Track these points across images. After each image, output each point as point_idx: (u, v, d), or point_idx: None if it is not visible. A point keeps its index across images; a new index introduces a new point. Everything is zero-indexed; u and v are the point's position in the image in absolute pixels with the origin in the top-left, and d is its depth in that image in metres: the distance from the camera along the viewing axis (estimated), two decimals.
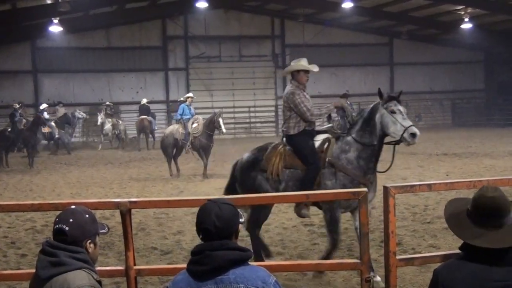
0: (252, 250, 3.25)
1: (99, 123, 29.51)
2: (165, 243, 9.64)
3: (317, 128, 8.10)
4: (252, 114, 38.16)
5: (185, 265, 3.26)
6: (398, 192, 4.48)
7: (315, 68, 8.00)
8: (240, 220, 3.32)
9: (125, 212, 4.65)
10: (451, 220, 3.37)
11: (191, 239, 9.57)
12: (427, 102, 40.95)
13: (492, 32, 35.71)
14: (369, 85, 38.91)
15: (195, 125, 18.03)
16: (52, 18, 28.18)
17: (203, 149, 17.90)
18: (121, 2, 30.31)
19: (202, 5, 29.74)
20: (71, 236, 3.32)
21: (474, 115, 40.36)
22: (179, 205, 5.04)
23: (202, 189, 15.38)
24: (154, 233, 10.36)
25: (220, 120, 17.69)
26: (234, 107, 36.83)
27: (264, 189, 7.65)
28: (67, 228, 3.34)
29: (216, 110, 18.58)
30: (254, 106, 38.02)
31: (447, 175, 16.10)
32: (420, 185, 4.81)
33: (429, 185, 4.81)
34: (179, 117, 18.82)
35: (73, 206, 3.56)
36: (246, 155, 8.19)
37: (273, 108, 38.62)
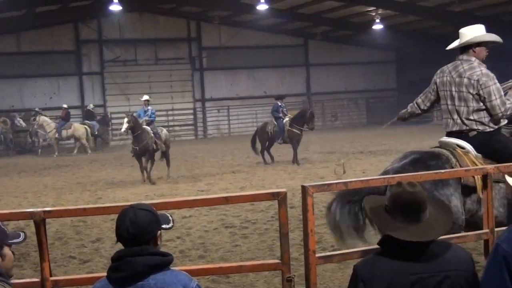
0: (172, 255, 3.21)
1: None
2: (83, 251, 9.43)
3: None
4: (170, 118, 37.89)
5: (104, 273, 3.20)
6: (316, 191, 4.53)
7: (499, 38, 6.04)
8: (165, 226, 3.27)
9: (39, 222, 4.51)
10: (373, 214, 3.43)
11: (111, 246, 9.40)
12: (342, 101, 41.83)
13: (403, 33, 36.88)
14: (286, 86, 39.44)
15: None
16: None
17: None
18: (31, 6, 29.40)
19: (116, 8, 29.26)
20: None
21: (387, 114, 41.43)
22: (96, 213, 4.93)
23: (120, 195, 15.14)
24: (71, 241, 10.12)
25: (125, 120, 17.31)
26: None
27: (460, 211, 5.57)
28: None
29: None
30: (172, 110, 37.76)
31: (363, 172, 16.50)
32: (337, 183, 4.88)
33: (346, 183, 4.89)
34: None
35: None
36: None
37: (192, 111, 38.50)
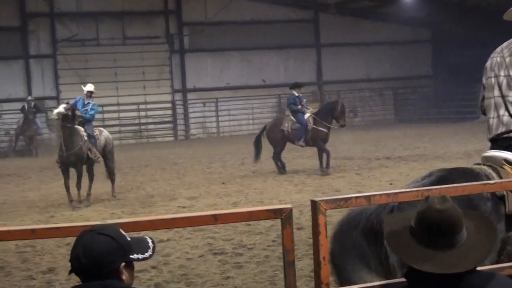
0: None
1: None
2: (31, 284, 9.43)
3: None
4: (142, 113, 37.87)
5: None
6: (330, 207, 4.53)
7: None
8: (137, 256, 3.15)
9: None
10: (391, 239, 3.38)
11: (66, 278, 9.40)
12: (363, 92, 41.88)
13: (440, 4, 36.87)
14: (291, 72, 39.41)
15: None
16: None
17: None
18: None
19: None
20: None
21: (422, 108, 41.55)
22: (48, 236, 4.93)
23: (79, 212, 15.15)
24: (16, 272, 10.12)
25: (62, 105, 16.81)
26: (118, 104, 36.46)
27: None
28: None
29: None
30: (145, 103, 37.75)
31: (390, 183, 16.51)
32: (357, 197, 4.88)
33: (368, 197, 4.88)
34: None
35: None
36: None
37: (170, 105, 38.45)
